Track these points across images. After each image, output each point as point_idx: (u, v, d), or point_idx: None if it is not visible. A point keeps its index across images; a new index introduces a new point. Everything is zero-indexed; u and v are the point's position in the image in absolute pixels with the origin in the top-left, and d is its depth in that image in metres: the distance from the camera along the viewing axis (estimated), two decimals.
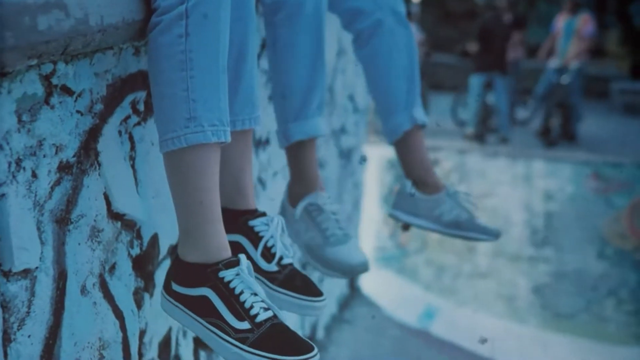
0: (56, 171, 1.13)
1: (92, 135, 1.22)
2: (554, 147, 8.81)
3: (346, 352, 3.02)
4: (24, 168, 1.06)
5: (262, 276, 1.45)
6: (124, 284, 1.34)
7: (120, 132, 1.31)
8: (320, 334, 2.99)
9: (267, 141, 2.14)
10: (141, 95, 1.36)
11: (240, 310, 1.22)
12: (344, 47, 2.89)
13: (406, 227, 1.92)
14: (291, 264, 1.47)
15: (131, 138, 1.35)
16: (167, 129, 1.22)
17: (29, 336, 1.08)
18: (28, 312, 1.08)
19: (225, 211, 1.46)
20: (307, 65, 1.64)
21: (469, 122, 9.32)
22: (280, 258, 1.46)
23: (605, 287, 5.01)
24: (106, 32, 1.15)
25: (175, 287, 1.28)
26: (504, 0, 9.41)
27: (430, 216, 1.85)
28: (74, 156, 1.17)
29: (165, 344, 1.54)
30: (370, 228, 5.00)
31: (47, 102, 1.10)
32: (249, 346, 1.20)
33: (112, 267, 1.31)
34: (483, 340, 2.86)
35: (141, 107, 1.37)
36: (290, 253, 1.48)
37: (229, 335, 1.21)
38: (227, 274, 1.24)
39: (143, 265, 1.41)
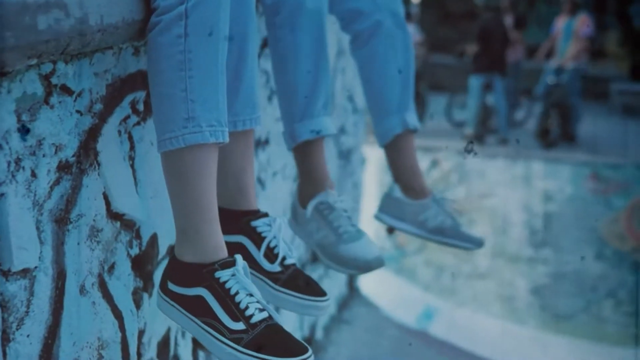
0: (55, 171, 1.13)
1: (92, 135, 1.22)
2: (553, 148, 8.81)
3: (345, 352, 3.02)
4: (23, 168, 1.06)
5: (265, 277, 1.45)
6: (123, 283, 1.34)
7: (119, 132, 1.31)
8: (319, 334, 3.00)
9: (267, 141, 2.14)
10: (141, 95, 1.36)
11: (236, 311, 1.22)
12: (343, 47, 2.89)
13: (391, 230, 1.93)
14: (294, 264, 1.47)
15: (130, 138, 1.35)
16: (165, 128, 1.22)
17: (28, 336, 1.08)
18: (27, 312, 1.08)
19: (227, 212, 1.46)
20: (310, 65, 1.64)
21: (466, 123, 9.32)
22: (283, 258, 1.46)
23: (604, 288, 5.02)
24: (106, 32, 1.15)
25: (171, 286, 1.28)
26: (506, 1, 9.42)
27: (415, 221, 1.86)
28: (73, 156, 1.17)
29: (164, 344, 1.54)
30: (370, 228, 5.00)
31: (46, 101, 1.10)
32: (243, 347, 1.20)
33: (111, 267, 1.31)
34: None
35: (141, 107, 1.37)
36: (292, 253, 1.48)
37: (224, 336, 1.21)
38: (223, 275, 1.24)
39: (142, 265, 1.41)
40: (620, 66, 14.26)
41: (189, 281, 1.26)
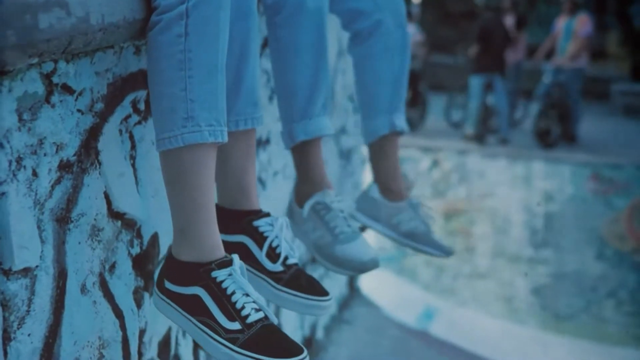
0: (57, 170, 1.13)
1: (93, 134, 1.22)
2: (553, 149, 8.81)
3: (346, 352, 3.02)
4: (24, 167, 1.06)
5: (268, 276, 1.45)
6: (124, 283, 1.34)
7: (120, 131, 1.31)
8: (319, 334, 2.99)
9: (268, 141, 2.14)
10: (142, 94, 1.36)
11: (232, 311, 1.22)
12: (344, 47, 2.89)
13: (363, 228, 1.94)
14: (296, 264, 1.47)
15: (131, 137, 1.35)
16: (164, 128, 1.22)
17: (29, 335, 1.08)
18: (28, 311, 1.08)
19: (229, 212, 1.46)
20: (310, 65, 1.64)
21: (466, 123, 9.32)
22: (286, 258, 1.46)
23: (605, 288, 5.02)
24: (107, 31, 1.15)
25: (168, 284, 1.29)
26: (507, 1, 9.42)
27: (389, 223, 1.87)
28: (74, 155, 1.17)
29: (164, 344, 1.53)
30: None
31: (47, 100, 1.10)
32: (238, 347, 1.20)
33: (112, 266, 1.31)
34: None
35: (142, 106, 1.37)
36: (294, 253, 1.48)
37: (220, 335, 1.22)
38: (219, 274, 1.24)
39: (143, 264, 1.41)
40: (620, 66, 14.26)
41: (186, 280, 1.26)
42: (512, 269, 5.32)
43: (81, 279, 1.21)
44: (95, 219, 1.24)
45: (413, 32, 9.47)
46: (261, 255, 1.45)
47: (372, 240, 1.99)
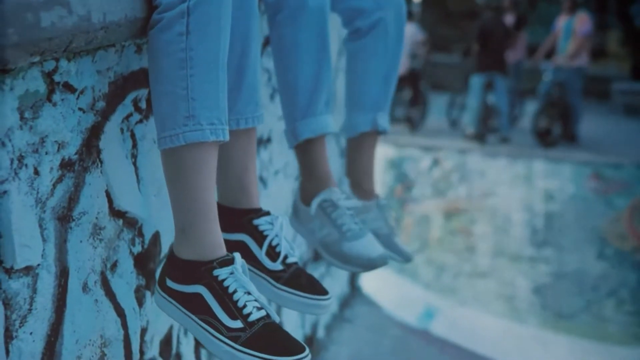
0: (58, 168, 1.13)
1: (94, 133, 1.22)
2: (553, 148, 8.80)
3: (347, 351, 3.02)
4: (26, 165, 1.06)
5: (267, 275, 1.45)
6: (125, 281, 1.34)
7: (122, 130, 1.31)
8: (320, 332, 2.99)
9: (269, 140, 2.14)
10: (143, 92, 1.36)
11: (233, 309, 1.22)
12: None
13: None
14: (296, 263, 1.47)
15: (133, 136, 1.35)
16: (165, 126, 1.23)
17: (31, 333, 1.08)
18: (30, 309, 1.08)
19: (229, 210, 1.46)
20: (313, 63, 1.64)
21: (466, 122, 9.33)
22: (285, 257, 1.46)
23: (605, 287, 5.02)
24: (108, 30, 1.15)
25: (170, 283, 1.29)
26: (508, 1, 9.42)
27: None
28: (76, 153, 1.17)
29: (166, 342, 1.54)
30: None
31: (49, 99, 1.10)
32: (240, 345, 1.20)
33: (114, 265, 1.31)
34: None
35: (143, 105, 1.37)
36: (294, 252, 1.48)
37: (221, 334, 1.22)
38: (221, 273, 1.24)
39: (144, 263, 1.41)
40: (621, 66, 14.26)
41: (187, 278, 1.26)
42: (512, 268, 5.32)
43: (83, 278, 1.21)
44: (96, 218, 1.24)
45: (414, 31, 9.47)
46: (261, 254, 1.45)
47: None
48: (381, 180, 7.33)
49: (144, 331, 1.43)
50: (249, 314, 1.22)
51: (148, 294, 1.43)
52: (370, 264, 1.67)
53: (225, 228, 1.40)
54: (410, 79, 9.46)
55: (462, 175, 8.18)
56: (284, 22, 1.62)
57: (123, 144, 1.31)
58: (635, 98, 11.96)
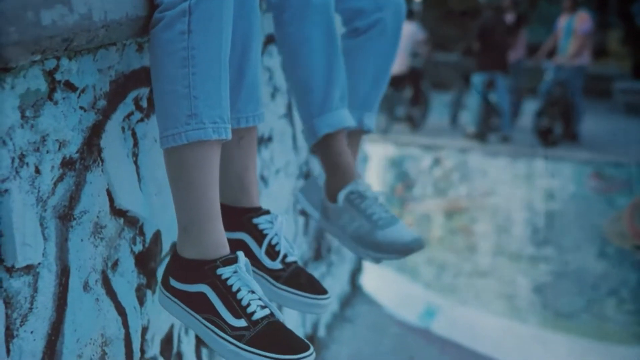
0: (59, 167, 1.13)
1: (95, 132, 1.22)
2: (555, 147, 8.80)
3: (347, 350, 3.02)
4: (27, 164, 1.06)
5: (267, 274, 1.44)
6: (126, 280, 1.34)
7: (123, 129, 1.31)
8: (321, 332, 2.99)
9: (270, 138, 2.14)
10: (144, 91, 1.36)
11: (237, 308, 1.22)
12: None
13: (303, 212, 1.91)
14: (295, 262, 1.47)
15: (134, 134, 1.35)
16: (168, 125, 1.22)
17: (32, 332, 1.08)
18: (31, 308, 1.08)
19: (229, 209, 1.46)
20: (323, 59, 1.63)
21: (467, 121, 9.32)
22: (285, 256, 1.45)
23: (606, 286, 5.01)
24: (110, 28, 1.15)
25: (173, 282, 1.29)
26: (508, 0, 9.41)
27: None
28: (77, 152, 1.17)
29: (167, 341, 1.53)
30: None
31: (50, 97, 1.10)
32: (245, 344, 1.20)
33: (115, 264, 1.31)
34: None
35: (144, 104, 1.37)
36: (294, 251, 1.48)
37: (225, 333, 1.21)
38: (224, 271, 1.24)
39: (145, 262, 1.41)
40: (622, 65, 14.25)
41: (191, 277, 1.26)
42: (513, 267, 5.32)
43: (84, 277, 1.21)
44: (97, 217, 1.24)
45: (415, 30, 9.46)
46: (260, 253, 1.44)
47: None
48: (382, 179, 7.33)
49: (144, 330, 1.43)
50: (253, 313, 1.22)
51: (149, 292, 1.43)
52: (406, 249, 1.65)
53: (225, 227, 1.40)
54: (412, 78, 9.46)
55: (463, 174, 8.18)
56: (290, 21, 1.61)
57: (124, 143, 1.31)
58: (637, 97, 11.95)
